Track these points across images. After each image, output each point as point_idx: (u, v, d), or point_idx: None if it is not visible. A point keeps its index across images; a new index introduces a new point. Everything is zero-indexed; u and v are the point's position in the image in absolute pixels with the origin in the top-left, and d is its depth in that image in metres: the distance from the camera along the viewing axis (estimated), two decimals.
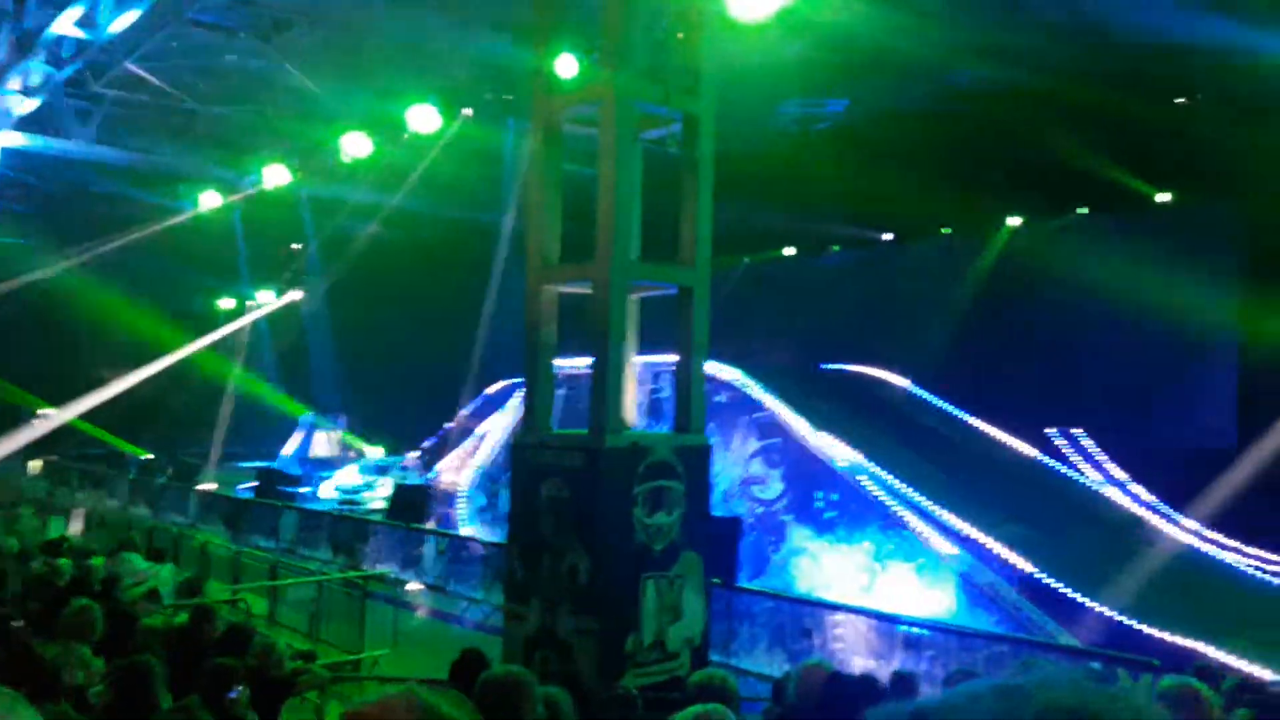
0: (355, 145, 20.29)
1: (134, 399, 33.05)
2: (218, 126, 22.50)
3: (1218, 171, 19.20)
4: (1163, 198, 22.58)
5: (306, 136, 21.95)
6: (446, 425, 25.96)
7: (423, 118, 19.22)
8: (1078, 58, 16.91)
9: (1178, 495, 18.23)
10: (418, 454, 26.64)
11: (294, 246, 34.12)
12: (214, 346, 37.39)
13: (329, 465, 31.41)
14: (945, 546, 13.93)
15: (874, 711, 0.87)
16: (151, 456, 31.35)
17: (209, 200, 24.89)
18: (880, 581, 14.72)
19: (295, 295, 36.85)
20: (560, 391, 16.31)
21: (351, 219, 28.98)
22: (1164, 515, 17.70)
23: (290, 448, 32.94)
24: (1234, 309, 20.97)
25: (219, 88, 20.78)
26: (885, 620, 11.56)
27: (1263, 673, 9.56)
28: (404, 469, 26.01)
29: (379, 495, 24.65)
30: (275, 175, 22.29)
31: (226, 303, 38.81)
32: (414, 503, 20.29)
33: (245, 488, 26.82)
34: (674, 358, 11.47)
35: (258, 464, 30.19)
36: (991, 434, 19.35)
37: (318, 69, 19.77)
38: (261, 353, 38.77)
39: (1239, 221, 20.78)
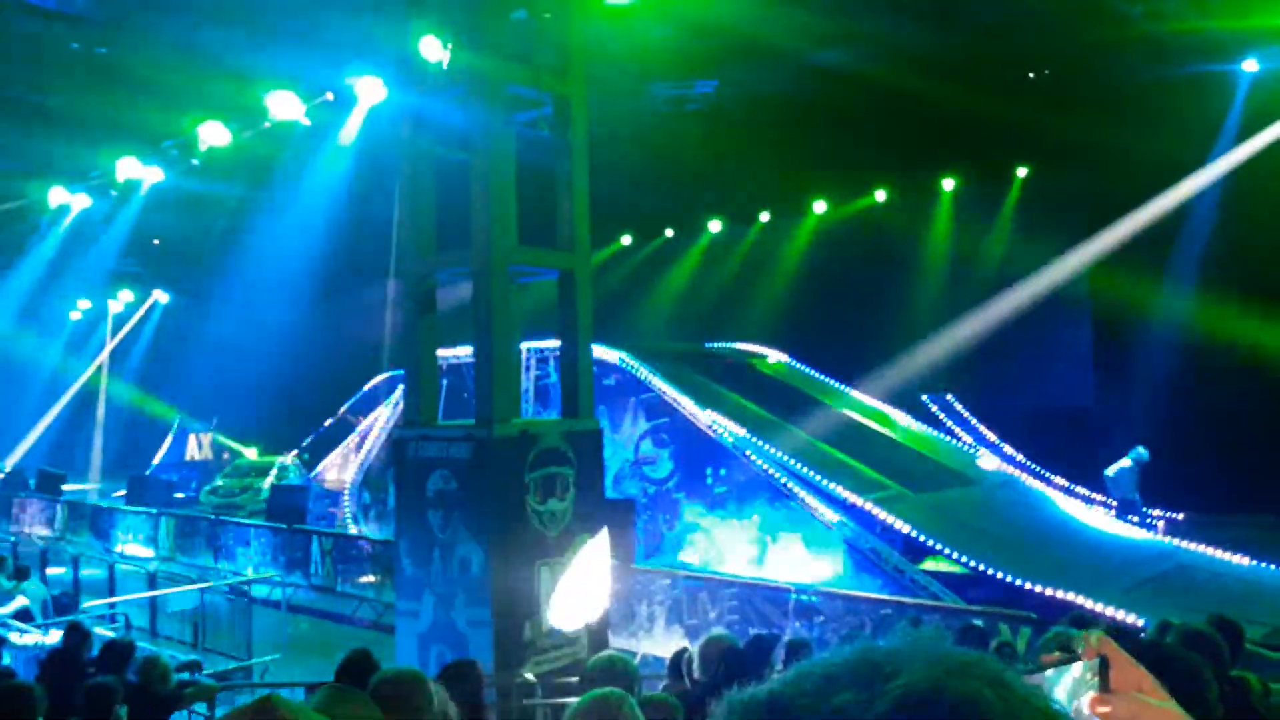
0: (213, 134, 19.56)
1: None
2: (65, 118, 21.34)
3: (1068, 144, 20.11)
4: (1022, 172, 23.59)
5: (162, 126, 21.02)
6: (326, 422, 25.34)
7: (283, 104, 18.68)
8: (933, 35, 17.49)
9: (1044, 453, 19.17)
10: (295, 453, 25.93)
11: (154, 242, 32.66)
12: (72, 351, 35.68)
13: (203, 469, 30.32)
14: (830, 515, 14.31)
15: (731, 697, 0.87)
16: (8, 470, 29.68)
17: (58, 196, 23.67)
18: (771, 552, 15.05)
19: (159, 295, 35.32)
20: (443, 382, 16.11)
21: (215, 213, 27.96)
22: (1033, 473, 18.55)
23: (162, 453, 31.66)
24: (1085, 274, 22.12)
25: (65, 78, 19.70)
26: (777, 591, 11.82)
27: (1134, 620, 10.13)
28: (282, 469, 25.28)
29: (258, 497, 23.91)
30: (129, 168, 21.33)
31: (83, 304, 36.94)
32: (294, 503, 19.75)
33: (117, 495, 25.69)
34: (557, 343, 11.43)
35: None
36: (869, 402, 19.93)
37: (168, 55, 18.95)
38: (125, 356, 37.13)
39: (1089, 191, 21.87)
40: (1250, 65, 17.93)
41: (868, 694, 0.77)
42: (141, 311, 36.42)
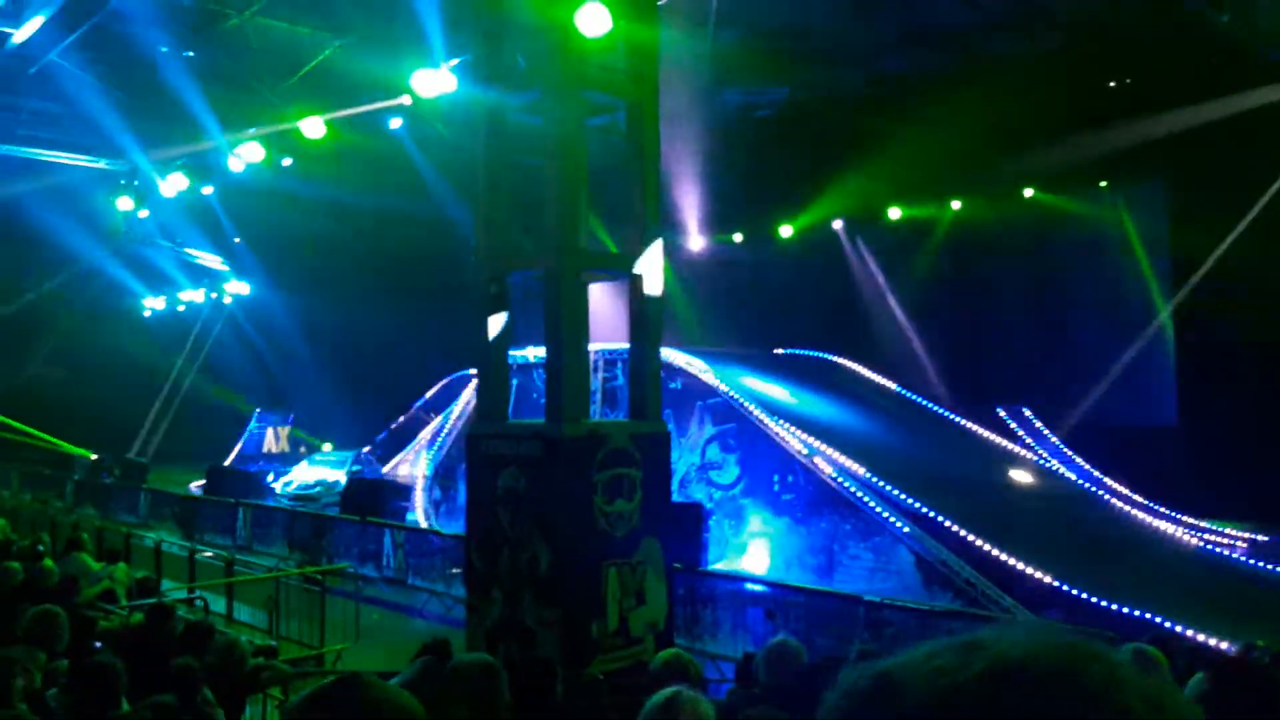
0: (311, 128, 20.05)
1: (72, 399, 32.46)
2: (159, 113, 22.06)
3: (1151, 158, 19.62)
4: (1104, 182, 23.03)
5: (249, 122, 21.64)
6: (400, 418, 25.78)
7: (312, 127, 19.27)
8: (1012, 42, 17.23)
9: (1123, 471, 18.69)
10: (370, 448, 26.43)
11: (235, 240, 33.57)
12: (153, 344, 36.79)
13: (280, 461, 31.04)
14: (899, 525, 14.14)
15: (845, 672, 0.91)
16: (97, 457, 30.73)
17: (175, 182, 24.52)
18: (838, 562, 14.92)
19: (241, 289, 36.25)
20: (513, 381, 16.29)
21: (294, 212, 28.64)
22: (1110, 490, 18.12)
23: (241, 445, 32.50)
24: (1172, 291, 21.53)
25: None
26: (845, 601, 11.71)
27: (1215, 642, 9.85)
28: (357, 463, 25.79)
29: (333, 490, 24.42)
30: (249, 154, 21.96)
31: (154, 302, 38.00)
32: (368, 496, 20.12)
33: (195, 486, 26.44)
34: (626, 345, 11.49)
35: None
36: (941, 414, 19.66)
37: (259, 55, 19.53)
38: (203, 350, 38.18)
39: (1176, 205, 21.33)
40: None
41: (965, 658, 0.81)
42: (227, 309, 37.37)
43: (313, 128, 20.02)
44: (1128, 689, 0.79)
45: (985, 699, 0.77)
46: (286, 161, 23.13)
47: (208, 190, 26.18)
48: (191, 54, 19.35)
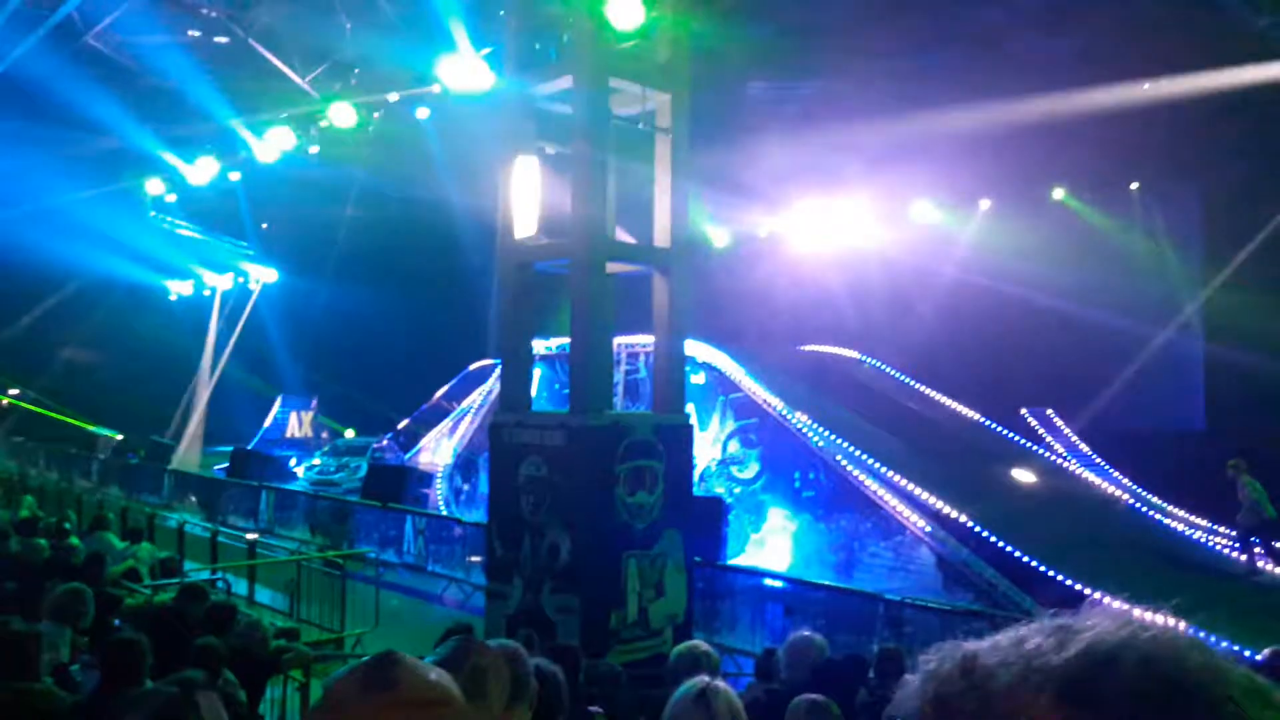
0: (340, 115, 20.17)
1: (99, 381, 32.81)
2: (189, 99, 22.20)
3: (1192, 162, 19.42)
4: (1134, 185, 22.80)
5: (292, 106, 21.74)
6: (423, 406, 25.89)
7: (342, 114, 19.32)
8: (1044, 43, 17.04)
9: (1148, 476, 18.50)
10: (392, 435, 26.56)
11: (263, 226, 33.81)
12: (181, 330, 37.13)
13: (303, 446, 31.27)
14: (920, 524, 14.06)
15: (927, 656, 0.89)
16: (122, 438, 31.05)
17: (206, 168, 24.69)
18: (858, 559, 14.86)
19: (267, 275, 36.51)
20: (536, 371, 16.30)
21: (321, 200, 28.78)
22: (1135, 495, 17.95)
23: (265, 429, 32.76)
24: (1202, 296, 21.30)
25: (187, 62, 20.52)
26: (865, 599, 11.66)
27: (1241, 649, 9.74)
28: (379, 450, 25.92)
29: (355, 476, 24.57)
30: (279, 139, 22.07)
31: (181, 286, 38.31)
32: (390, 482, 20.23)
33: (219, 469, 26.66)
34: (648, 339, 11.47)
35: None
36: (964, 414, 19.53)
37: (284, 44, 19.62)
38: (232, 334, 38.47)
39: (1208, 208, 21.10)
40: None
41: (1058, 641, 0.79)
42: (254, 295, 37.66)
43: (343, 115, 20.12)
44: (1230, 678, 0.77)
45: (1083, 681, 0.75)
46: (314, 149, 23.25)
47: (235, 176, 26.35)
48: (227, 39, 19.47)
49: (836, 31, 17.57)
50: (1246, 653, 9.38)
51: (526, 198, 10.77)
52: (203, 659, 5.67)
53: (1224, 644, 10.13)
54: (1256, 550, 14.93)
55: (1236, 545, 15.44)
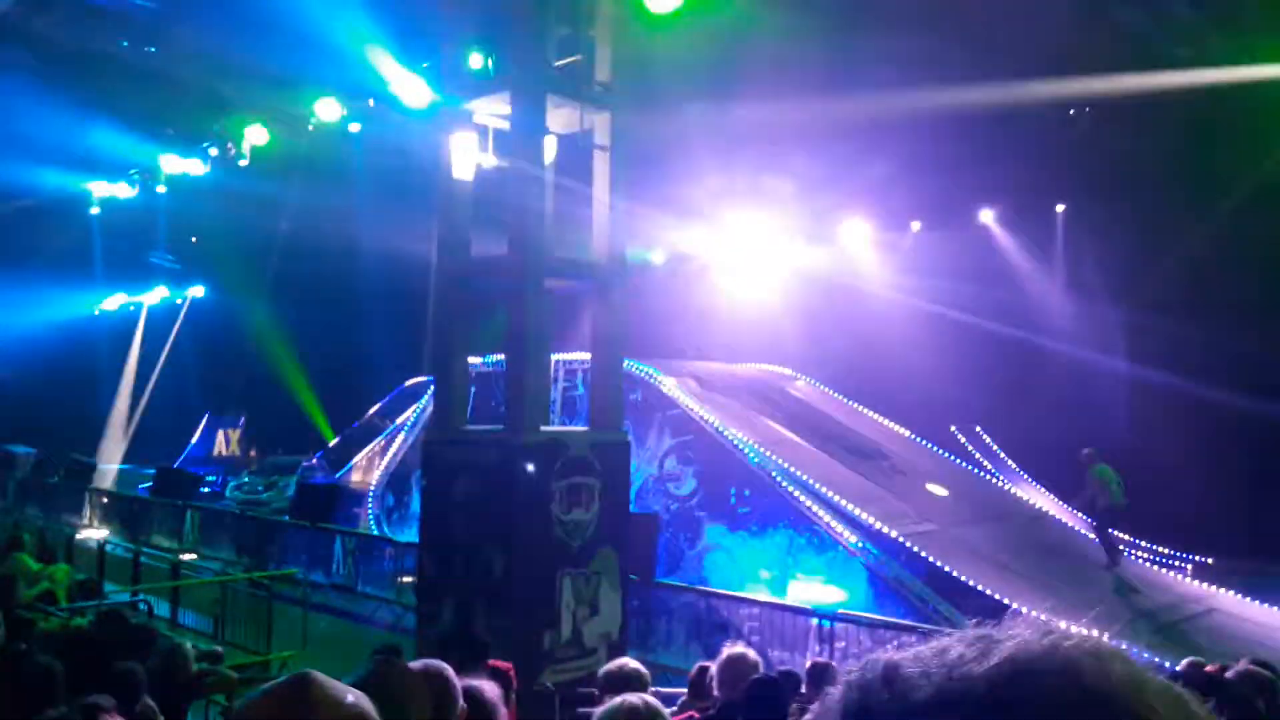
0: (255, 134, 19.97)
1: (16, 398, 31.75)
2: (111, 113, 21.70)
3: (1115, 182, 19.99)
4: (1061, 207, 23.41)
5: (204, 125, 21.39)
6: (354, 424, 25.49)
7: (327, 108, 19.09)
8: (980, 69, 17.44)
9: (1073, 493, 18.90)
10: (322, 453, 26.10)
11: (192, 239, 33.11)
12: (105, 346, 36.19)
13: (230, 465, 30.59)
14: (854, 540, 14.19)
15: (848, 677, 0.87)
16: (40, 456, 30.04)
17: (113, 190, 24.13)
18: (792, 575, 14.94)
19: (195, 291, 35.76)
20: (471, 389, 16.13)
21: (255, 213, 28.27)
22: (1061, 510, 18.33)
23: (190, 447, 31.99)
24: (1126, 315, 21.90)
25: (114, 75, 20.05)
26: (798, 613, 11.73)
27: (1161, 660, 9.98)
28: (308, 468, 25.45)
29: (283, 495, 24.09)
30: (171, 164, 21.74)
31: (120, 298, 37.41)
32: (319, 502, 19.84)
33: (143, 488, 25.94)
34: (585, 356, 11.45)
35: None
36: (896, 430, 19.80)
37: (212, 59, 19.28)
38: (157, 351, 37.58)
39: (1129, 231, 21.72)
40: None
41: (980, 650, 0.78)
42: (183, 310, 36.88)
43: (257, 134, 19.96)
44: (1152, 689, 0.76)
45: (1006, 692, 0.74)
46: (243, 163, 22.86)
47: (161, 190, 25.78)
48: (154, 49, 19.05)
49: (773, 52, 17.77)
50: (1166, 664, 9.62)
51: (462, 213, 10.70)
52: (120, 684, 5.48)
53: (1144, 655, 10.38)
54: (1113, 537, 15.51)
55: (1094, 537, 15.89)
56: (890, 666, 0.81)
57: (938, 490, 17.07)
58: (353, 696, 1.35)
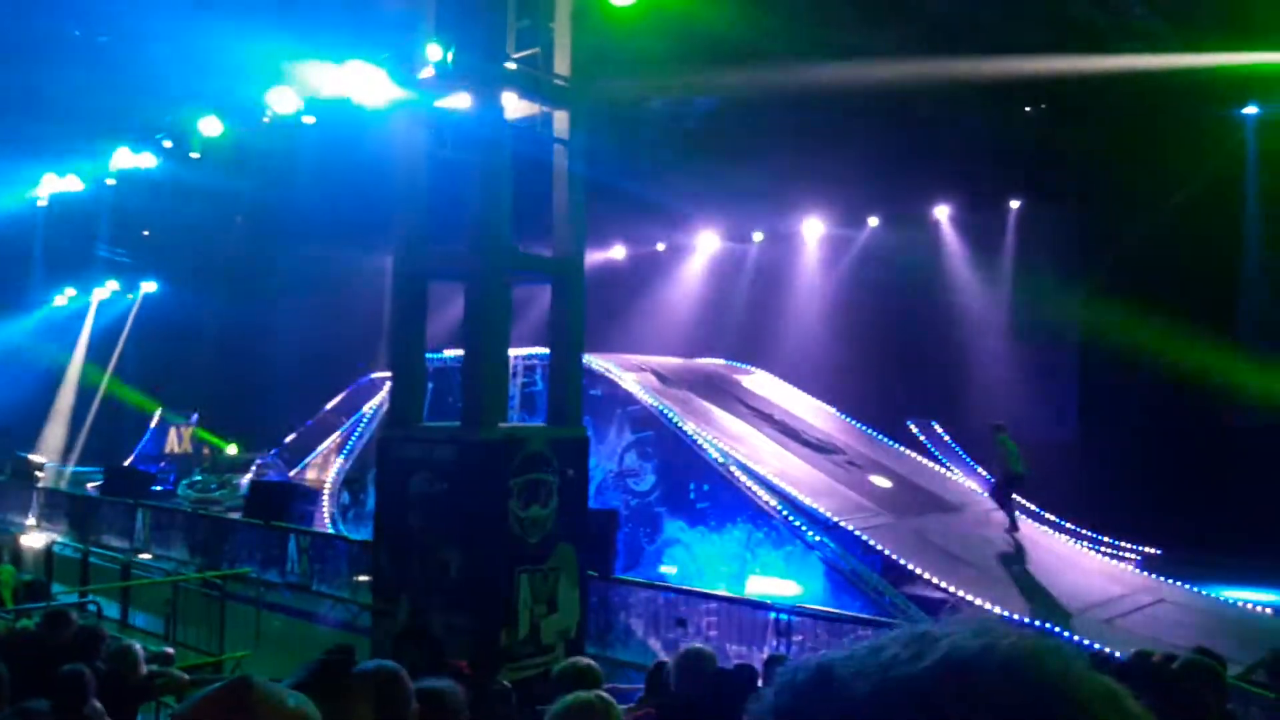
0: (208, 126, 19.60)
1: None
2: (61, 105, 21.21)
3: (1064, 178, 20.27)
4: (1015, 203, 23.67)
5: (157, 117, 20.97)
6: (309, 421, 25.20)
7: (282, 99, 18.74)
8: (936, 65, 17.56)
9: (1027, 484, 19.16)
10: (276, 451, 25.77)
11: (144, 233, 32.49)
12: (59, 339, 35.48)
13: (182, 463, 30.12)
14: (811, 533, 14.29)
15: (783, 669, 0.86)
16: None
17: (62, 185, 23.60)
18: (751, 569, 15.01)
19: (147, 286, 35.15)
20: (429, 385, 16.02)
21: (208, 206, 27.82)
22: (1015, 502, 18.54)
23: (141, 445, 31.44)
24: (1077, 309, 22.25)
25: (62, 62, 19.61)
26: (756, 607, 11.78)
27: (1111, 651, 10.14)
28: (262, 466, 25.12)
29: (237, 493, 23.76)
30: (123, 158, 21.28)
31: (70, 292, 36.67)
32: (273, 500, 19.59)
33: (93, 486, 25.47)
34: (545, 351, 11.41)
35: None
36: (854, 425, 19.94)
37: (167, 46, 18.90)
38: (110, 346, 36.89)
39: (1083, 225, 22.05)
40: (1251, 109, 18.16)
41: (916, 650, 0.77)
42: (135, 305, 36.22)
43: (210, 126, 19.58)
44: (1085, 683, 0.76)
45: (940, 691, 0.74)
46: (195, 155, 22.46)
47: (110, 183, 25.27)
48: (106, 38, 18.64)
49: (735, 50, 17.78)
50: (1116, 654, 9.78)
51: (420, 207, 10.61)
52: (67, 687, 5.38)
53: (1093, 645, 10.54)
54: (1012, 502, 16.38)
55: (994, 501, 16.80)
56: (823, 667, 0.80)
57: (892, 483, 17.23)
58: (294, 700, 1.32)
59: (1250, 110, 18.19)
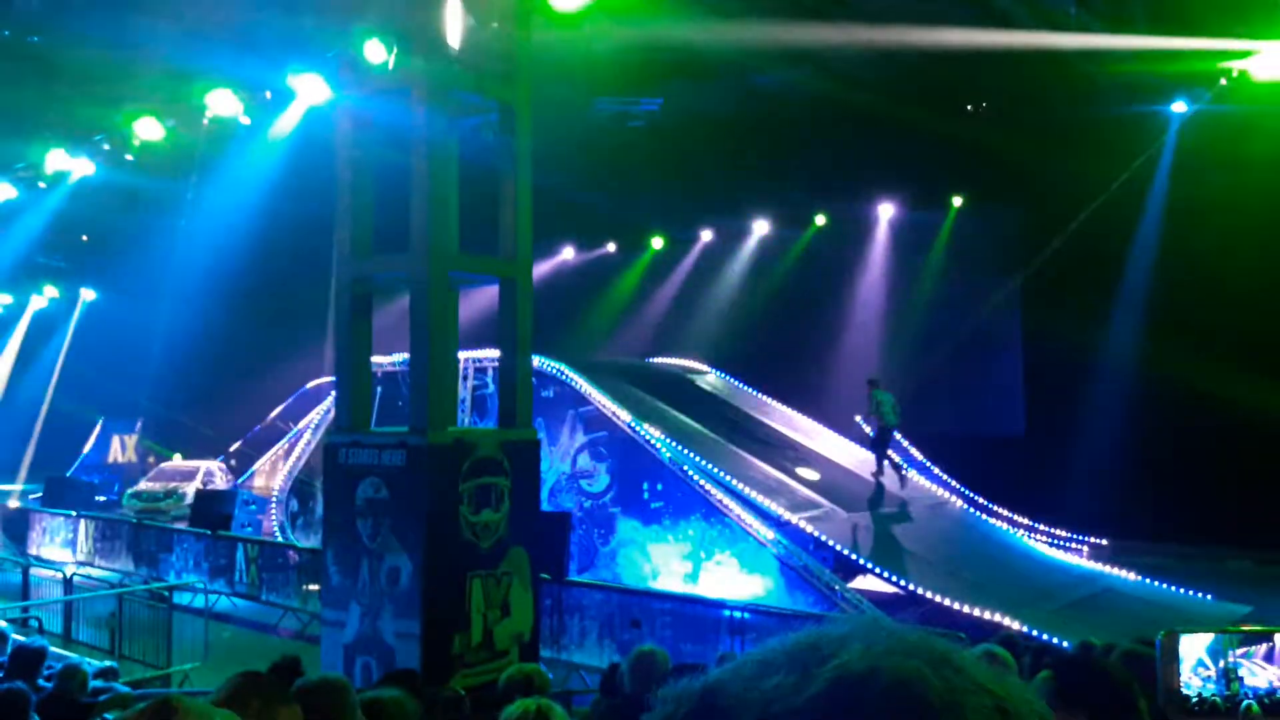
0: (147, 129, 19.17)
1: None
2: None
3: (1006, 177, 20.58)
4: (958, 201, 23.96)
5: (93, 119, 20.49)
6: (256, 428, 24.84)
7: (221, 101, 18.41)
8: (877, 66, 17.74)
9: (976, 480, 19.44)
10: (223, 459, 25.37)
11: (83, 238, 31.78)
12: None
13: (126, 472, 29.52)
14: (764, 531, 14.35)
15: (665, 691, 0.84)
16: None
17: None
18: (705, 569, 15.04)
19: (86, 293, 34.37)
20: (377, 390, 15.86)
21: (147, 210, 27.28)
22: (964, 497, 18.81)
23: (84, 455, 30.76)
24: (1019, 305, 22.63)
25: None
26: (710, 606, 11.81)
27: (1059, 642, 10.30)
28: (209, 475, 24.69)
29: (182, 503, 23.34)
30: (58, 161, 20.75)
31: (3, 299, 35.70)
32: (220, 509, 19.27)
33: (34, 498, 24.87)
34: (495, 353, 11.33)
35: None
36: (805, 421, 20.07)
37: (103, 47, 18.48)
38: (49, 354, 35.99)
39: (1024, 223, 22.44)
40: (1179, 107, 18.52)
41: (802, 676, 0.76)
42: (76, 311, 35.40)
43: (149, 129, 19.15)
44: (974, 695, 0.75)
45: None
46: (129, 157, 21.98)
47: (43, 186, 24.65)
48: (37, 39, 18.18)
49: (679, 49, 17.82)
50: (1065, 644, 9.95)
51: (364, 209, 10.48)
52: (6, 706, 5.24)
53: (1040, 634, 10.72)
54: (883, 452, 17.41)
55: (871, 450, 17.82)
56: (707, 693, 0.78)
57: (843, 479, 17.38)
58: (220, 717, 1.28)
59: (1178, 107, 18.59)
